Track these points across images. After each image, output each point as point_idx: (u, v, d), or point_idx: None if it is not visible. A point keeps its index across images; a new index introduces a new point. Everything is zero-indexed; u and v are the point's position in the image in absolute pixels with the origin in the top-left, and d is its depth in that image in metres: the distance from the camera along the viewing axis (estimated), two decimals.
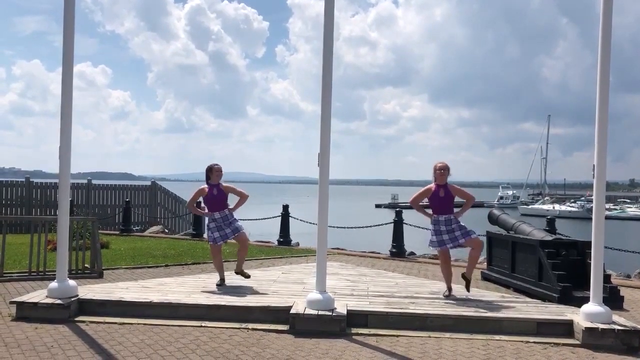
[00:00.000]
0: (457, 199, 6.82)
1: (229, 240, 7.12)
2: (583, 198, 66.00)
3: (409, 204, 7.04)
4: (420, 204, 6.75)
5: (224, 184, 7.10)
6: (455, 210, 6.67)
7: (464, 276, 6.76)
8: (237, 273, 7.10)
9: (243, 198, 7.14)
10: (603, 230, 5.48)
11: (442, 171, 6.53)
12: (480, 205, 75.89)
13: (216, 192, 6.98)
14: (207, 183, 7.01)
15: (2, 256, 7.65)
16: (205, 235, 14.76)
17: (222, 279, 7.08)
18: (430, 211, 6.67)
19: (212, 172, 6.98)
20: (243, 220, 16.21)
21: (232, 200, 7.19)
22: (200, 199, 7.22)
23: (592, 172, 5.49)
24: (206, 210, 7.12)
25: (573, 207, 61.37)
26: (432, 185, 6.60)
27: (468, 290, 6.70)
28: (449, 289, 6.75)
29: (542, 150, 77.95)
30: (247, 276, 7.08)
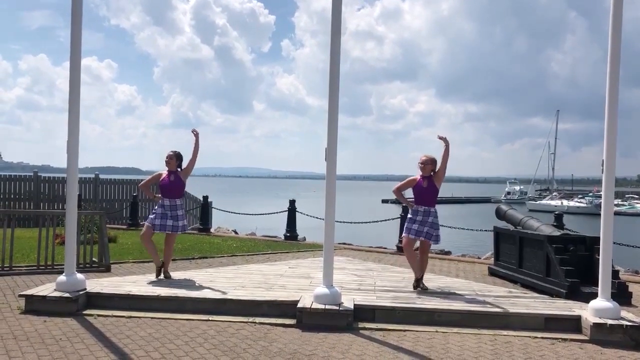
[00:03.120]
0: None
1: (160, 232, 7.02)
2: (591, 194, 65.61)
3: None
4: (404, 193, 6.95)
5: (183, 169, 7.08)
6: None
7: (418, 281, 6.76)
8: (165, 273, 7.00)
9: (195, 149, 7.06)
10: (612, 225, 5.45)
11: (423, 165, 6.66)
12: (487, 200, 75.63)
13: (173, 178, 7.00)
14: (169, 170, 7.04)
15: (10, 250, 7.70)
16: (212, 230, 14.83)
17: (160, 268, 6.92)
18: (412, 201, 6.79)
19: (165, 159, 7.03)
20: (250, 215, 16.21)
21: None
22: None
23: (600, 167, 5.45)
24: (159, 195, 7.09)
25: (581, 202, 61.03)
26: (417, 177, 6.74)
27: (416, 287, 6.68)
28: (417, 279, 6.66)
29: (549, 146, 77.52)
30: (169, 277, 7.00)
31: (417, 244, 6.86)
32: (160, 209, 6.96)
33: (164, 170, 7.10)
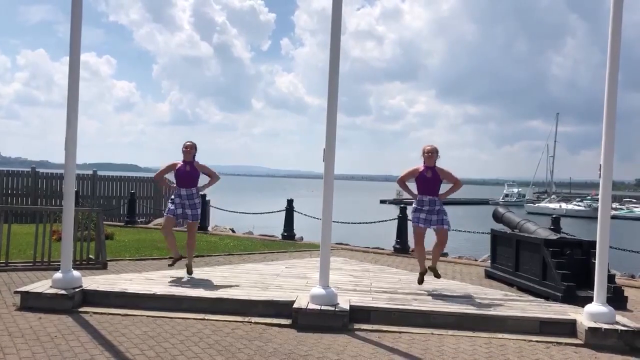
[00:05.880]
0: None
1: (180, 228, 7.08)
2: (589, 197, 65.66)
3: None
4: (408, 183, 6.89)
5: (200, 163, 7.10)
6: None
7: (431, 268, 6.83)
8: (189, 268, 7.01)
9: (214, 179, 7.23)
10: (608, 229, 5.46)
11: (430, 154, 6.59)
12: (485, 202, 75.65)
13: (188, 168, 6.99)
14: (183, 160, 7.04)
15: (7, 246, 7.69)
16: (210, 228, 14.82)
17: (178, 259, 7.02)
18: (415, 191, 6.74)
19: (183, 149, 7.02)
20: (247, 214, 16.17)
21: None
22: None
23: (598, 171, 5.46)
24: (174, 185, 7.11)
25: (580, 206, 61.10)
26: (420, 166, 6.68)
27: (438, 277, 6.87)
28: (422, 272, 6.81)
29: (548, 149, 77.46)
30: (190, 273, 7.03)
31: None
32: (177, 198, 6.98)
33: (177, 160, 7.08)
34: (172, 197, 7.07)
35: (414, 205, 6.71)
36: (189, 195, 6.98)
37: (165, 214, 7.09)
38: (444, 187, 6.75)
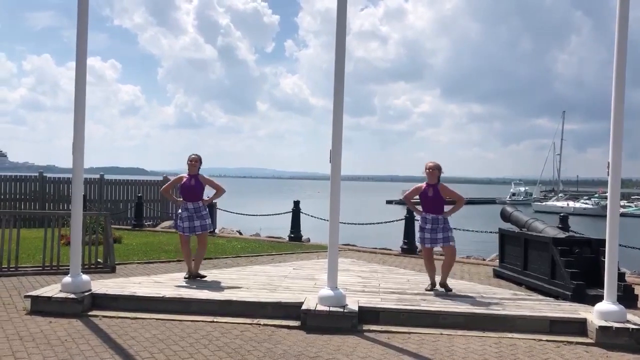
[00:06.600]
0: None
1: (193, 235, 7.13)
2: (597, 195, 65.27)
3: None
4: (413, 200, 7.05)
5: (205, 177, 7.16)
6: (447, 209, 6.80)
7: (442, 285, 6.72)
8: (194, 277, 7.05)
9: (219, 192, 7.25)
10: (617, 227, 5.43)
11: (430, 170, 6.61)
12: (492, 201, 75.39)
13: (193, 182, 7.04)
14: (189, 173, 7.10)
15: (16, 250, 7.73)
16: (217, 231, 14.84)
17: (190, 272, 7.09)
18: (420, 208, 6.81)
19: (188, 162, 7.07)
20: (254, 215, 16.17)
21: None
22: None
23: (606, 169, 5.43)
24: (181, 199, 7.17)
25: (587, 204, 60.79)
26: (423, 184, 6.72)
27: (449, 290, 6.65)
28: (432, 284, 6.84)
29: (555, 147, 77.05)
30: (204, 276, 7.12)
31: (438, 248, 6.84)
32: (185, 212, 7.04)
33: (183, 174, 7.17)
34: (179, 211, 7.12)
35: (419, 224, 6.78)
36: (196, 209, 7.04)
37: (179, 232, 7.20)
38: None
